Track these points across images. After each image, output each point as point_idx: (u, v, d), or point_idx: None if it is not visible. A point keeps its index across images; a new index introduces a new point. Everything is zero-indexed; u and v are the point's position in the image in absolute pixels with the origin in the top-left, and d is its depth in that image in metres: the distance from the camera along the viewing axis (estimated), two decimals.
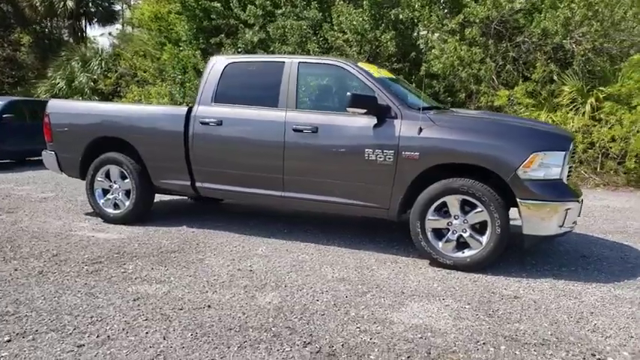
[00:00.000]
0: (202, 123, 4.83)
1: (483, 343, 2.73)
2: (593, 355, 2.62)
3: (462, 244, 4.07)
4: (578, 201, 3.97)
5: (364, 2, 12.61)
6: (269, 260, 4.17)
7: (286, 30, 13.25)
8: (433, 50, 11.84)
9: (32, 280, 3.58)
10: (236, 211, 6.22)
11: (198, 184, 5.01)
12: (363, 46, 12.38)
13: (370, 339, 2.76)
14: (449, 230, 4.08)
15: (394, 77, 5.17)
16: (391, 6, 13.34)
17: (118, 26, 28.86)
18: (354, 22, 12.12)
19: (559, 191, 3.89)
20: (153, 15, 18.92)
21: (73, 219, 5.54)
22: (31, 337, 2.70)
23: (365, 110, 4.15)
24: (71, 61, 21.13)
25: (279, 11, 14.16)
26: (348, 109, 4.14)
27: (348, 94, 4.12)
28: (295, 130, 4.47)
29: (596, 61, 11.23)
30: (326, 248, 4.56)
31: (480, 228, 4.00)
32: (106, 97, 19.46)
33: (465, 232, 4.02)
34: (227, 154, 4.82)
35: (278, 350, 2.60)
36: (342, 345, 2.68)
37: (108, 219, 5.35)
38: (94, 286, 3.47)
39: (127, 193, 5.30)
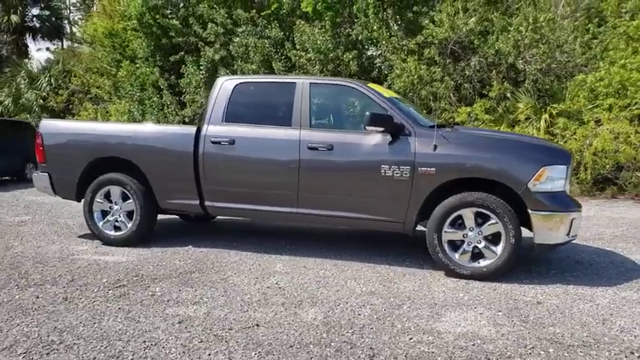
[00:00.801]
0: (214, 142, 4.83)
1: (532, 348, 2.91)
2: (632, 354, 2.86)
3: (476, 255, 4.29)
4: (580, 211, 4.30)
5: (326, 22, 12.91)
6: (292, 277, 4.21)
7: (249, 48, 13.30)
8: (395, 70, 12.25)
9: (60, 306, 3.45)
10: (232, 229, 6.20)
11: (207, 203, 4.98)
12: (326, 65, 12.61)
13: (428, 349, 2.88)
14: (464, 242, 4.29)
15: (400, 97, 5.39)
16: (349, 26, 13.79)
17: (61, 42, 27.84)
18: (318, 42, 12.33)
19: (565, 202, 4.20)
20: (107, 31, 18.43)
21: (68, 242, 5.35)
22: None
23: (383, 128, 4.32)
24: (17, 77, 20.16)
25: (240, 29, 14.24)
26: (366, 127, 4.30)
27: (367, 113, 4.28)
28: (310, 148, 4.57)
29: (545, 80, 12.07)
30: (342, 263, 4.65)
31: (493, 239, 4.23)
32: (57, 114, 18.69)
33: (480, 243, 4.25)
34: (240, 172, 4.84)
35: None
36: (405, 356, 2.79)
37: (108, 241, 5.20)
38: (130, 310, 3.40)
39: (129, 214, 5.18)
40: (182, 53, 14.57)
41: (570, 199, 4.29)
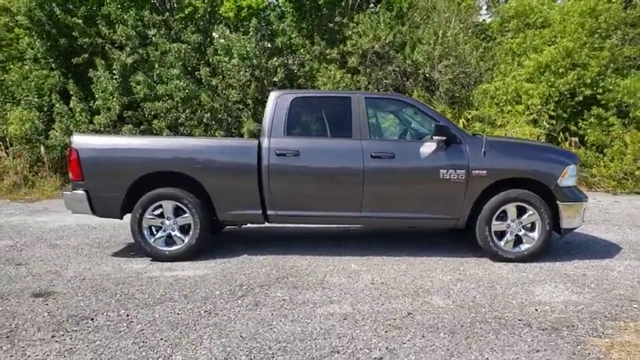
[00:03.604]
0: (279, 154, 5.09)
1: (618, 306, 3.80)
2: None
3: (516, 242, 5.16)
4: (587, 201, 5.40)
5: (250, 28, 13.14)
6: (378, 273, 4.70)
7: (169, 53, 13.01)
8: (319, 77, 12.93)
9: (215, 319, 3.58)
10: (251, 237, 6.36)
11: (270, 212, 5.21)
12: (254, 71, 12.86)
13: (558, 315, 3.63)
14: (506, 232, 5.14)
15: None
16: (271, 34, 14.26)
17: None
18: (247, 48, 12.53)
19: (579, 194, 5.26)
20: None
21: (117, 261, 5.18)
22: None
23: (445, 137, 4.99)
24: None
25: (152, 32, 13.87)
26: (433, 137, 4.95)
27: (434, 124, 4.94)
28: (374, 157, 5.08)
29: (454, 89, 13.79)
30: (402, 259, 5.20)
31: (530, 227, 5.14)
32: None
33: (520, 231, 5.13)
34: (306, 181, 5.16)
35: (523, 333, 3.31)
36: (552, 322, 3.49)
37: (163, 257, 5.16)
38: (285, 315, 3.64)
39: (182, 229, 5.19)
40: (86, 55, 13.59)
41: (581, 192, 5.37)
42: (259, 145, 5.14)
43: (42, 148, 11.80)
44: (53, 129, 12.55)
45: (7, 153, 11.97)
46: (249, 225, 5.96)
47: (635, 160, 10.26)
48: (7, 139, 12.05)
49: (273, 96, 5.35)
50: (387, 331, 3.34)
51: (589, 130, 11.42)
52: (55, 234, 6.53)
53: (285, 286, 4.30)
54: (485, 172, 5.03)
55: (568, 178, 5.13)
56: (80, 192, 5.14)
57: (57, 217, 7.87)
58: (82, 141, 5.25)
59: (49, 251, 5.63)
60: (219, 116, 12.66)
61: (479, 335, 3.26)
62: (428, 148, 5.10)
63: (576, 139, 11.67)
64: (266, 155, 5.10)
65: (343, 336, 3.27)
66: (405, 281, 4.45)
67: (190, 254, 5.17)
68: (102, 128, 12.57)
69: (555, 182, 5.05)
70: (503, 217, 5.14)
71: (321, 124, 5.40)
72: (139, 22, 13.56)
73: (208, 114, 12.54)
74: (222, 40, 13.48)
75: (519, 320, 3.51)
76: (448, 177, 5.04)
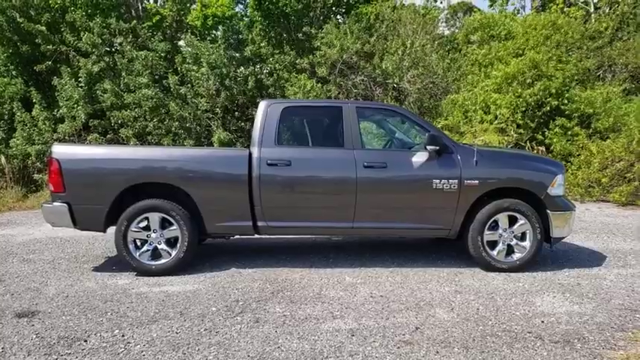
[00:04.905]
0: (270, 164, 4.96)
1: (620, 316, 3.85)
2: None
3: (507, 252, 5.20)
4: (575, 210, 5.50)
5: (218, 37, 12.95)
6: (375, 286, 4.61)
7: (136, 61, 12.68)
8: (290, 87, 12.87)
9: (217, 337, 3.40)
10: (237, 249, 6.19)
11: (260, 224, 5.06)
12: (223, 80, 12.68)
13: (565, 327, 3.63)
14: (498, 242, 5.17)
15: None
16: (239, 42, 14.12)
17: None
18: (213, 57, 12.36)
19: (568, 203, 5.36)
20: None
21: (100, 277, 4.91)
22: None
23: (438, 147, 4.98)
24: None
25: (118, 40, 13.52)
26: (427, 146, 4.93)
27: (427, 134, 4.92)
28: (366, 167, 5.02)
29: (424, 98, 14.02)
30: (397, 270, 5.13)
31: (521, 237, 5.19)
32: None
33: (512, 241, 5.17)
34: (298, 192, 5.03)
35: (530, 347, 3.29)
36: (562, 335, 3.49)
37: (148, 272, 4.92)
38: (291, 332, 3.50)
39: (169, 242, 4.97)
40: (49, 63, 13.10)
41: (569, 201, 5.47)
42: (250, 156, 5.00)
43: (2, 158, 11.17)
44: (14, 137, 11.94)
45: None
46: (235, 236, 5.79)
47: (601, 168, 10.63)
48: None
49: (263, 105, 5.21)
50: (398, 347, 3.25)
51: (555, 140, 11.76)
52: (26, 248, 6.14)
53: (283, 301, 4.15)
54: (477, 181, 5.05)
55: (557, 186, 5.20)
56: (61, 204, 4.85)
57: (23, 229, 7.43)
58: (63, 151, 4.96)
59: (23, 267, 5.28)
60: (188, 125, 12.36)
61: (493, 350, 3.22)
62: (420, 157, 5.07)
63: (543, 148, 12.01)
64: (257, 165, 4.95)
65: (355, 354, 3.16)
66: (404, 294, 4.39)
67: (177, 268, 4.95)
68: (66, 137, 12.07)
69: (545, 191, 5.11)
70: (494, 226, 5.16)
71: (313, 133, 5.30)
72: (105, 30, 13.13)
73: (177, 123, 12.23)
74: (189, 49, 13.22)
75: (529, 333, 3.49)
76: (441, 187, 5.02)
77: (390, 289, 4.50)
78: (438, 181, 5.02)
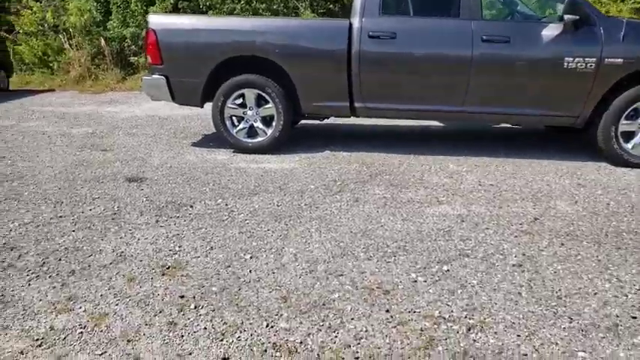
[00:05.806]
0: (371, 37, 4.45)
1: None
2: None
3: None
4: None
5: None
6: (484, 175, 4.20)
7: None
8: None
9: (318, 212, 3.26)
10: (343, 133, 5.92)
11: (358, 105, 4.69)
12: None
13: None
14: (636, 133, 4.42)
15: None
16: None
17: None
18: None
19: None
20: None
21: (199, 151, 4.93)
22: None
23: (578, 17, 4.16)
24: None
25: None
26: (565, 15, 4.13)
27: (567, 0, 4.09)
28: (484, 41, 4.35)
29: None
30: (508, 160, 4.62)
31: None
32: None
33: None
34: (402, 69, 4.54)
35: None
36: None
37: (245, 149, 4.84)
38: (393, 214, 3.25)
39: (264, 120, 4.79)
40: None
41: None
42: (350, 27, 4.50)
43: (102, 40, 11.49)
44: (110, 20, 12.16)
45: (70, 45, 11.78)
46: (326, 120, 5.53)
47: None
48: (70, 30, 11.81)
49: None
50: (516, 236, 2.90)
51: None
52: (129, 123, 6.37)
53: (382, 184, 3.89)
54: (620, 60, 4.22)
55: None
56: (159, 77, 4.77)
57: (125, 107, 7.72)
58: (159, 21, 4.79)
59: (128, 139, 5.49)
60: (275, 7, 11.77)
61: (633, 247, 2.77)
62: (553, 30, 4.30)
63: None
64: (357, 38, 4.47)
65: (467, 239, 2.87)
66: (518, 184, 3.94)
67: (273, 147, 4.82)
68: None
69: None
70: (633, 115, 4.40)
71: (423, 0, 4.64)
72: None
73: (264, 5, 11.67)
74: None
75: None
76: (574, 66, 4.28)
77: (502, 179, 4.06)
78: (571, 59, 4.27)
